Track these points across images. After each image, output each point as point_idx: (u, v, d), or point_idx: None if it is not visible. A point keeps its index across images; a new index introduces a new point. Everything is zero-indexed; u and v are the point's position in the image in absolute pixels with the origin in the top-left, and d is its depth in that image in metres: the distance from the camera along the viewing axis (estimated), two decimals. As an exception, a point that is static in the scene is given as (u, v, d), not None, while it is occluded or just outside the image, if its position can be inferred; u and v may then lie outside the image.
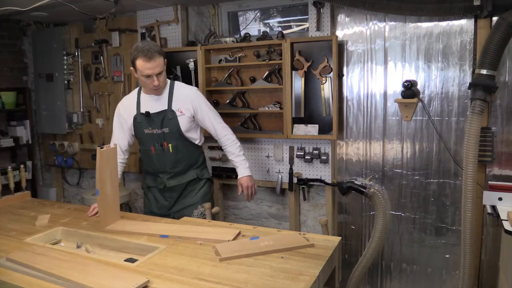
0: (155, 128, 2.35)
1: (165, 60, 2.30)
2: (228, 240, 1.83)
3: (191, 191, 2.47)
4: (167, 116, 2.33)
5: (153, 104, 2.37)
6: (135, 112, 2.40)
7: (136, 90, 2.49)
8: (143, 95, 2.42)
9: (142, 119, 2.37)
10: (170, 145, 2.35)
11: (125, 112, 2.46)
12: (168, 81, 2.41)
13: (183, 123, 2.34)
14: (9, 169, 2.64)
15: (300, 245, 1.76)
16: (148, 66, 2.18)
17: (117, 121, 2.50)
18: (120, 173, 2.45)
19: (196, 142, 2.47)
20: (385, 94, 2.85)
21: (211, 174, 3.04)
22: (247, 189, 2.47)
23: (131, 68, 2.30)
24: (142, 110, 2.37)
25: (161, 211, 2.48)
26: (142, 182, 2.68)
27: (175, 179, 2.44)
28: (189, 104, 2.35)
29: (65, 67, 4.06)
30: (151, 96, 2.37)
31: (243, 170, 2.46)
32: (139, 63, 2.19)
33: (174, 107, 2.33)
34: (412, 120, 2.79)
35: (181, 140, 2.37)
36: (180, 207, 2.47)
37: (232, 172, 3.12)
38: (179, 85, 2.43)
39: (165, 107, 2.34)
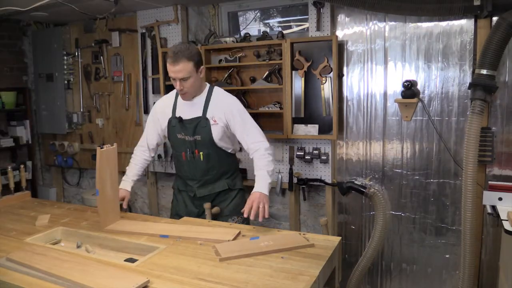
0: (187, 135, 2.26)
1: (200, 66, 2.18)
2: (228, 240, 1.83)
3: (221, 201, 2.35)
4: (201, 124, 2.23)
5: (188, 109, 2.26)
6: (170, 115, 2.32)
7: (175, 91, 2.36)
8: (179, 98, 2.31)
9: (176, 124, 2.28)
10: (201, 153, 2.26)
11: (161, 112, 2.37)
12: (207, 86, 2.30)
13: (216, 132, 2.23)
14: (9, 169, 2.64)
15: (300, 245, 1.76)
16: (172, 69, 2.12)
17: (151, 119, 2.43)
18: (142, 170, 2.47)
19: (229, 151, 2.35)
20: (385, 94, 2.85)
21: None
22: (251, 204, 2.03)
23: None
24: (177, 115, 2.29)
25: (190, 215, 2.36)
26: (173, 182, 2.59)
27: (205, 188, 2.34)
28: (222, 114, 2.22)
29: (65, 67, 4.06)
30: (187, 101, 2.28)
31: (258, 185, 2.12)
32: (167, 64, 2.14)
33: (208, 115, 2.22)
34: (412, 120, 2.79)
35: (213, 149, 2.26)
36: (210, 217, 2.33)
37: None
38: (217, 92, 2.29)
39: (200, 114, 2.23)
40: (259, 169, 2.18)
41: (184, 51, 2.10)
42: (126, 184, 2.38)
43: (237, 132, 2.25)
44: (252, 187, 2.14)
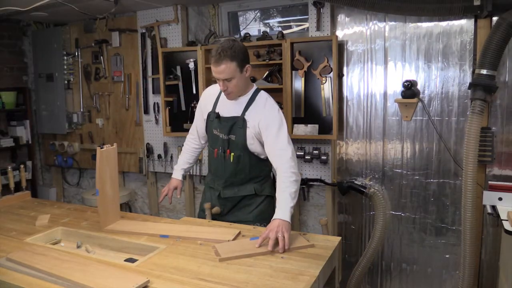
0: (222, 132, 2.18)
1: (245, 65, 2.05)
2: (228, 240, 1.83)
3: (246, 205, 2.24)
4: (237, 124, 2.14)
5: (229, 107, 2.18)
6: (211, 108, 2.25)
7: None
8: (223, 94, 2.19)
9: (214, 119, 2.21)
10: (232, 154, 2.17)
11: (204, 104, 2.31)
12: (254, 88, 2.20)
13: (249, 136, 2.13)
14: (9, 169, 2.64)
15: (301, 245, 1.76)
16: (215, 70, 2.01)
17: (199, 107, 2.37)
18: (192, 158, 2.45)
19: (262, 157, 2.21)
20: (385, 94, 2.85)
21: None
22: (268, 233, 1.75)
23: None
24: (217, 110, 2.22)
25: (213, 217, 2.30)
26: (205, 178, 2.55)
27: (230, 190, 2.24)
28: (256, 122, 2.10)
29: (65, 67, 4.06)
30: None
31: (279, 211, 1.84)
32: (211, 63, 2.03)
33: (247, 117, 2.12)
34: (412, 120, 2.79)
35: (244, 152, 2.17)
36: (233, 219, 2.22)
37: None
38: (262, 97, 2.17)
39: (239, 113, 2.14)
40: (281, 191, 1.92)
41: (227, 50, 1.98)
42: (177, 173, 2.40)
43: (267, 143, 2.09)
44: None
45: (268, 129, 2.07)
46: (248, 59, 2.09)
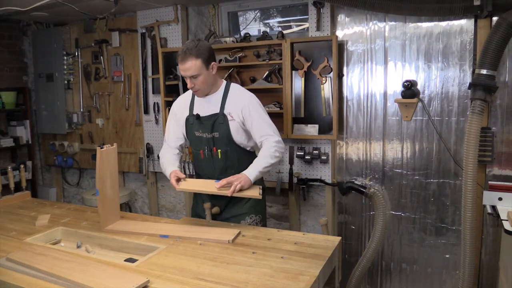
0: (205, 132, 2.22)
1: (211, 62, 2.14)
2: (228, 241, 1.83)
3: (240, 199, 2.26)
4: (218, 120, 2.19)
5: (205, 106, 2.23)
6: (187, 113, 2.29)
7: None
8: (197, 96, 2.28)
9: (193, 121, 2.25)
10: (219, 150, 2.21)
11: (179, 111, 2.34)
12: (224, 82, 2.27)
13: (234, 129, 2.19)
14: (9, 169, 2.64)
15: (249, 194, 1.89)
16: (181, 67, 2.10)
17: (172, 121, 2.38)
18: (177, 163, 2.30)
19: (248, 149, 2.29)
20: (385, 94, 2.85)
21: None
22: (230, 180, 2.03)
23: None
24: (194, 112, 2.26)
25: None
26: None
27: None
28: (240, 110, 2.18)
29: (65, 67, 4.06)
30: (204, 97, 2.24)
31: (249, 169, 2.11)
32: (178, 62, 2.12)
33: (226, 111, 2.19)
34: (412, 120, 2.79)
35: (231, 146, 2.22)
36: (227, 216, 2.29)
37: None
38: (234, 88, 2.27)
39: (217, 110, 2.20)
40: (261, 156, 2.15)
41: (192, 48, 2.07)
42: (173, 167, 2.25)
43: (252, 128, 2.20)
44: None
45: (252, 114, 2.17)
46: (214, 57, 2.19)
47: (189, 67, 2.07)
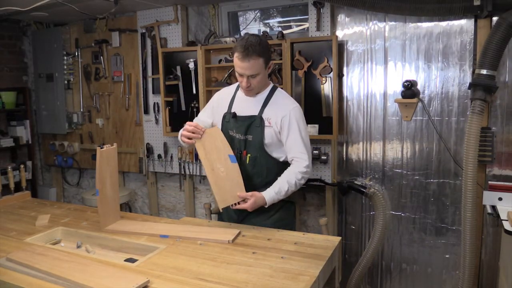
0: (238, 133, 2.07)
1: (269, 61, 2.00)
2: (228, 241, 1.83)
3: (263, 212, 2.06)
4: (255, 123, 2.03)
5: (245, 106, 2.08)
6: (226, 109, 2.13)
7: (237, 84, 2.18)
8: (239, 92, 2.12)
9: (229, 120, 2.10)
10: (248, 155, 2.05)
11: (219, 105, 2.19)
12: (271, 85, 2.11)
13: (268, 136, 2.02)
14: (9, 169, 2.64)
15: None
16: (241, 65, 1.91)
17: (209, 108, 2.24)
18: None
19: (281, 160, 2.09)
20: (385, 94, 2.85)
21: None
22: (247, 196, 1.96)
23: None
24: (233, 110, 2.11)
25: (229, 221, 2.17)
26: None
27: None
28: (279, 118, 2.00)
29: (65, 67, 4.06)
30: (246, 97, 2.09)
31: (270, 191, 1.97)
32: (235, 58, 1.93)
33: (264, 115, 2.02)
34: (412, 120, 2.79)
35: (261, 153, 2.05)
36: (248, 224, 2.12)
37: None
38: (279, 94, 2.09)
39: (256, 112, 2.04)
40: (285, 180, 1.99)
41: (256, 45, 1.88)
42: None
43: (287, 141, 2.03)
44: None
45: (290, 128, 2.01)
46: (271, 55, 2.05)
47: (251, 65, 1.90)
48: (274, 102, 2.05)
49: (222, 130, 2.11)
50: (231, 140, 2.09)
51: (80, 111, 4.09)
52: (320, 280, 1.55)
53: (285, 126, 2.01)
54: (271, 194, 1.96)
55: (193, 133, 1.97)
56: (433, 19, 2.64)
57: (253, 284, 1.44)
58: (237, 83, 2.13)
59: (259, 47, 1.90)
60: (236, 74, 1.99)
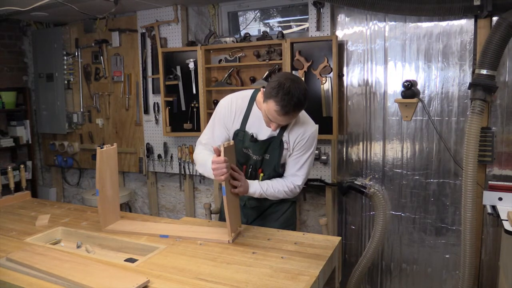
0: (255, 154, 1.99)
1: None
2: (228, 241, 1.83)
3: (272, 213, 2.12)
4: (273, 144, 1.96)
5: (263, 127, 1.93)
6: (238, 126, 1.98)
7: (250, 95, 2.00)
8: (255, 109, 1.97)
9: (245, 139, 1.98)
10: (261, 174, 2.02)
11: (230, 117, 2.00)
12: None
13: (284, 157, 2.00)
14: (9, 169, 2.64)
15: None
16: (280, 118, 1.78)
17: (220, 119, 2.02)
18: None
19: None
20: (385, 94, 2.85)
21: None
22: (242, 184, 1.85)
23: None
24: (248, 129, 1.97)
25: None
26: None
27: (256, 199, 2.08)
28: (295, 137, 1.95)
29: (65, 67, 4.06)
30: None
31: (255, 183, 1.94)
32: (272, 105, 1.73)
33: (284, 137, 1.95)
34: (412, 120, 2.79)
35: (275, 171, 2.02)
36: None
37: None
38: (300, 115, 1.94)
39: (275, 133, 1.94)
40: (276, 184, 1.97)
41: (303, 101, 1.75)
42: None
43: (292, 156, 1.99)
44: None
45: (301, 148, 1.97)
46: None
47: (289, 119, 1.81)
48: (295, 123, 1.97)
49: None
50: (245, 156, 2.03)
51: (80, 111, 4.09)
52: (320, 280, 1.55)
53: (297, 144, 1.97)
54: (258, 188, 1.92)
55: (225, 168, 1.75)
56: (433, 19, 2.64)
57: (253, 284, 1.44)
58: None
59: (305, 102, 1.76)
60: (264, 116, 1.85)
